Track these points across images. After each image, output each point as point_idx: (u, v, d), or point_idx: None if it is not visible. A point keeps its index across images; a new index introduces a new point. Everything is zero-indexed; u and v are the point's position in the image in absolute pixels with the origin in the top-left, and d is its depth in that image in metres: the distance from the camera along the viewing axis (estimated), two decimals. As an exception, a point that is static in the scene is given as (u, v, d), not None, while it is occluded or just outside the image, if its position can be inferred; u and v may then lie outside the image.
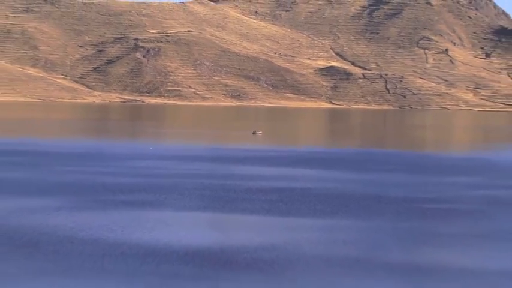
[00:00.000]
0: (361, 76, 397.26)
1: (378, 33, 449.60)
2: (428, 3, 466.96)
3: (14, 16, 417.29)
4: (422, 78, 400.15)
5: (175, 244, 27.70)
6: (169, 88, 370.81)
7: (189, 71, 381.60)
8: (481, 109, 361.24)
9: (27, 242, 27.49)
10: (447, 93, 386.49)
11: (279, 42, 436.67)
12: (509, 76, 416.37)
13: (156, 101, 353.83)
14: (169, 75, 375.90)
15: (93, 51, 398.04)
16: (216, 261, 25.00)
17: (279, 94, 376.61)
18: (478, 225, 34.55)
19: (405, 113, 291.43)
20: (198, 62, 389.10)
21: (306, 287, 22.28)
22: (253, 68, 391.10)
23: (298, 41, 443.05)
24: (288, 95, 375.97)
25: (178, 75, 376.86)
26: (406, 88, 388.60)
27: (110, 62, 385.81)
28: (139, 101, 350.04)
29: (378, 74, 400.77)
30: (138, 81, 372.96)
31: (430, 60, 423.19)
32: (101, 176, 50.08)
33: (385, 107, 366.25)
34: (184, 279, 22.74)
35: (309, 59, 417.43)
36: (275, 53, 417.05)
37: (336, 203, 39.88)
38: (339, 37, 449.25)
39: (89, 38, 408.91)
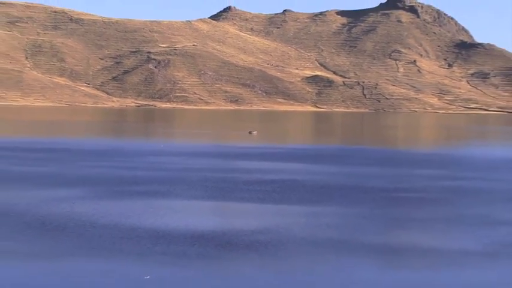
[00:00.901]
0: (341, 83, 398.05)
1: (355, 46, 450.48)
2: (399, 21, 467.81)
3: (44, 33, 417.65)
4: (394, 85, 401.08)
5: (183, 228, 27.69)
6: (178, 94, 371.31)
7: (194, 80, 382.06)
8: (444, 111, 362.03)
9: (56, 227, 27.48)
10: (415, 98, 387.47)
11: (271, 55, 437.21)
12: (468, 83, 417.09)
13: (166, 105, 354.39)
14: (177, 83, 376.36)
15: (112, 63, 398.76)
16: (218, 242, 24.99)
17: (271, 99, 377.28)
18: (442, 211, 34.54)
19: (379, 115, 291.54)
20: (202, 72, 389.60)
21: (296, 265, 22.26)
22: (249, 77, 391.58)
23: (288, 53, 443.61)
24: (279, 100, 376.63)
25: (185, 83, 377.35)
26: (380, 94, 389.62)
27: (126, 72, 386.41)
28: (151, 105, 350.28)
29: (356, 81, 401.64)
30: (151, 88, 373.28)
31: (401, 69, 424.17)
32: (119, 170, 50.05)
33: (362, 110, 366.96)
34: (191, 258, 22.73)
35: (296, 69, 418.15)
36: (268, 64, 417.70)
37: (320, 193, 39.86)
38: (322, 50, 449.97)
39: (108, 51, 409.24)
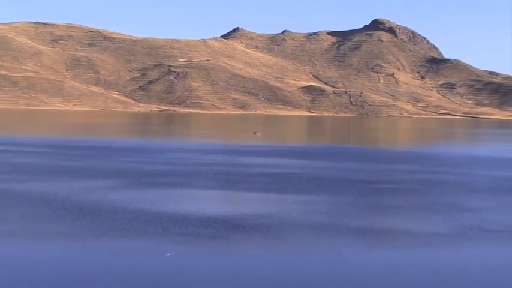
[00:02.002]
0: (331, 92, 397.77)
1: (343, 61, 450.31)
2: (380, 40, 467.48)
3: (82, 49, 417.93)
4: (375, 94, 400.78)
5: (198, 213, 27.72)
6: (194, 101, 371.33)
7: (208, 89, 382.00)
8: (417, 116, 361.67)
9: (92, 212, 27.54)
10: (393, 104, 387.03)
11: (272, 68, 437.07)
12: (438, 92, 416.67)
13: (184, 110, 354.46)
14: (194, 92, 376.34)
15: (139, 74, 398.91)
16: (227, 225, 25.02)
17: (273, 105, 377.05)
18: (416, 199, 34.55)
19: (363, 119, 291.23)
20: (214, 82, 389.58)
21: (293, 244, 22.29)
22: (254, 87, 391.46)
23: (286, 67, 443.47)
24: (279, 106, 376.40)
25: (200, 92, 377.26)
26: (364, 101, 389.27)
27: (150, 82, 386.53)
28: (172, 110, 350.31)
29: (343, 90, 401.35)
30: (171, 96, 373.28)
31: (381, 81, 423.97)
32: (144, 164, 50.09)
33: (349, 114, 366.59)
34: (204, 237, 22.76)
35: (294, 80, 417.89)
36: (269, 76, 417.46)
37: (314, 184, 39.85)
38: (315, 64, 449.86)
39: (135, 65, 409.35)
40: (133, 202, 30.51)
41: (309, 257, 20.59)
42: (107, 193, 33.59)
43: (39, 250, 21.02)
